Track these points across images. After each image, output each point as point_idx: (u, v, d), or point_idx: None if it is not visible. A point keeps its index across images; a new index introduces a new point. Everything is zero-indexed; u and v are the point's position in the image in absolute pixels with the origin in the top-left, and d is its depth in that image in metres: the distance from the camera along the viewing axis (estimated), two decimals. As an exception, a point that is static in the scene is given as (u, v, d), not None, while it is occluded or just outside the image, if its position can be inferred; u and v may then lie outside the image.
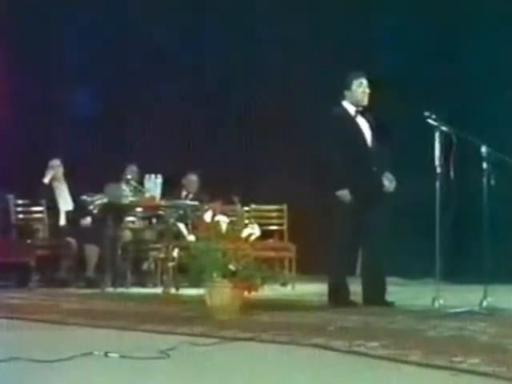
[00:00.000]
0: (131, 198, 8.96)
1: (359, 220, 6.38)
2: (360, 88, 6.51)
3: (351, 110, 6.55)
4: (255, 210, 9.10)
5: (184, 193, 9.69)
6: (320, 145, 6.70)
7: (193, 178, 9.72)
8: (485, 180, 6.00)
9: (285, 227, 9.38)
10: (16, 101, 10.28)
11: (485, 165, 6.02)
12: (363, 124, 6.56)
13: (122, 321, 5.53)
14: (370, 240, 6.51)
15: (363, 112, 6.56)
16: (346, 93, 6.56)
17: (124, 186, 9.16)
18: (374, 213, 6.42)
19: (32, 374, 3.69)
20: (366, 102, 6.53)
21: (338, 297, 6.44)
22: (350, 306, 6.32)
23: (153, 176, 8.48)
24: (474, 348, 4.19)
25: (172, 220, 8.59)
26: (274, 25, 10.30)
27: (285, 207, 9.42)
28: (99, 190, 9.10)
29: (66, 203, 9.53)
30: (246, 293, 5.68)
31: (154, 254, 9.33)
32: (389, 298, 6.48)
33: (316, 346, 4.40)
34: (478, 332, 4.83)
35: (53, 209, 9.42)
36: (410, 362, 3.88)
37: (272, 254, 7.92)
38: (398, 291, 6.91)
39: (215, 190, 8.66)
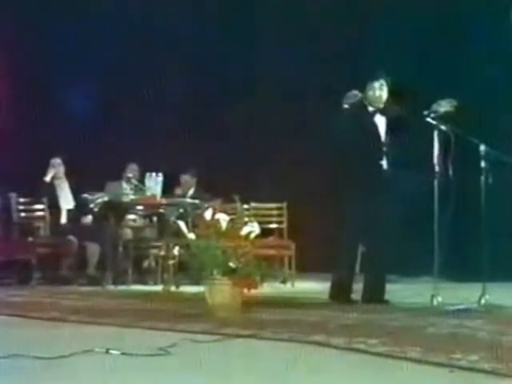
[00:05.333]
0: (132, 197, 8.99)
1: (365, 217, 6.40)
2: (370, 91, 6.49)
3: (370, 107, 6.53)
4: (255, 208, 9.09)
5: (179, 191, 9.67)
6: (332, 138, 6.67)
7: (185, 179, 9.70)
8: (483, 178, 6.03)
9: (284, 225, 9.37)
10: (17, 100, 10.28)
11: (483, 163, 6.05)
12: (380, 121, 6.53)
13: (122, 318, 5.54)
14: (371, 237, 6.51)
15: (383, 110, 6.52)
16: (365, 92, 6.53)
17: (125, 185, 9.20)
18: (377, 210, 6.41)
19: (33, 371, 3.69)
20: (379, 102, 6.50)
21: (339, 294, 6.46)
22: (350, 303, 6.34)
23: (153, 174, 8.52)
24: (472, 345, 4.20)
25: (172, 218, 8.62)
26: (274, 24, 10.32)
27: (284, 205, 9.42)
28: (100, 188, 9.13)
29: (67, 201, 9.54)
30: (245, 290, 5.67)
31: (154, 251, 9.34)
32: (388, 295, 6.50)
33: (316, 343, 4.40)
34: (476, 329, 4.83)
35: (54, 207, 9.43)
36: (409, 358, 3.89)
37: (272, 251, 7.94)
38: (396, 289, 6.92)
39: (215, 189, 8.68)
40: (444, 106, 6.12)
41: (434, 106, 6.15)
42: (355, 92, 6.31)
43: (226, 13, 10.38)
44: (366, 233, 6.47)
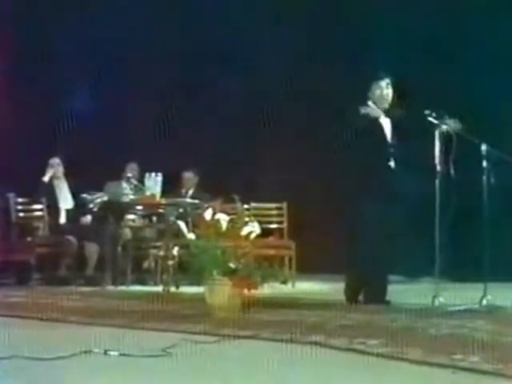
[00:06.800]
0: (131, 196, 8.97)
1: (377, 218, 6.35)
2: (377, 90, 6.51)
3: (375, 109, 6.51)
4: (255, 208, 9.05)
5: (183, 190, 9.66)
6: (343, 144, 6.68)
7: (187, 176, 9.68)
8: (485, 178, 6.00)
9: (285, 225, 9.34)
10: (16, 99, 10.26)
11: (485, 163, 6.02)
12: (386, 123, 6.53)
13: (121, 319, 5.53)
14: (379, 238, 6.45)
15: (388, 111, 6.52)
16: (369, 94, 6.53)
17: (124, 184, 9.16)
18: (388, 212, 6.37)
19: (32, 371, 3.69)
20: (385, 102, 6.51)
21: (355, 295, 6.42)
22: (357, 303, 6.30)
23: (153, 174, 8.48)
24: (473, 346, 4.19)
25: (172, 218, 8.59)
26: (275, 23, 10.30)
27: (285, 205, 9.39)
28: (99, 188, 9.10)
29: (66, 201, 9.51)
30: (245, 291, 5.66)
31: (154, 252, 9.30)
32: (389, 296, 6.46)
33: (316, 343, 4.40)
34: (477, 330, 4.83)
35: (53, 207, 9.40)
36: (410, 359, 3.88)
37: (272, 252, 7.89)
38: (397, 289, 6.88)
39: (215, 188, 8.65)
40: (449, 125, 6.10)
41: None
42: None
43: (226, 12, 10.36)
44: (377, 233, 6.42)
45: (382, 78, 6.53)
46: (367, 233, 6.39)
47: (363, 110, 6.39)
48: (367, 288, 6.46)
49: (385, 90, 6.52)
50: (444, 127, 6.04)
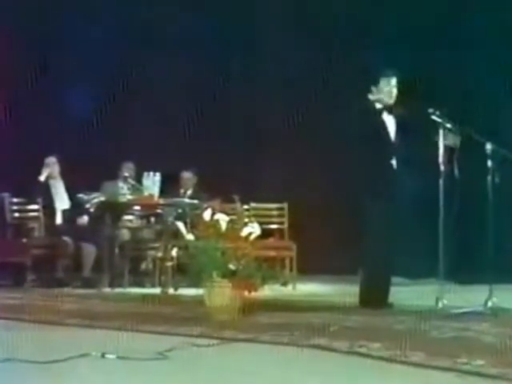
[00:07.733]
0: (129, 197, 8.91)
1: (382, 218, 6.29)
2: (387, 87, 6.47)
3: (378, 105, 6.49)
4: (255, 209, 9.04)
5: (181, 190, 9.61)
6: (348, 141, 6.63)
7: (186, 176, 9.63)
8: (489, 178, 5.95)
9: (285, 226, 9.31)
10: (12, 98, 10.21)
11: (489, 162, 5.97)
12: (389, 120, 6.49)
13: (119, 321, 5.50)
14: (374, 238, 6.38)
15: (391, 108, 6.49)
16: (373, 89, 6.49)
17: (121, 184, 9.09)
18: (385, 211, 6.30)
19: (28, 375, 3.68)
20: (391, 100, 6.48)
21: (377, 299, 6.34)
22: (383, 307, 6.20)
23: (151, 174, 8.43)
24: (478, 349, 4.17)
25: (171, 219, 8.57)
26: (275, 22, 10.28)
27: (285, 206, 9.36)
28: (96, 188, 9.05)
29: (62, 201, 9.45)
30: (245, 293, 5.63)
31: (152, 253, 9.28)
32: (391, 297, 6.42)
33: (317, 346, 4.39)
34: (482, 333, 4.81)
35: (49, 207, 9.34)
36: (413, 363, 3.86)
37: (272, 253, 7.82)
38: (401, 291, 6.87)
39: (215, 188, 8.60)
40: (449, 140, 6.04)
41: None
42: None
43: (226, 11, 10.32)
44: (378, 234, 6.34)
45: (391, 76, 6.49)
46: (368, 233, 6.36)
47: (372, 96, 6.36)
48: (369, 290, 6.38)
49: (394, 88, 6.49)
50: (446, 141, 5.99)
